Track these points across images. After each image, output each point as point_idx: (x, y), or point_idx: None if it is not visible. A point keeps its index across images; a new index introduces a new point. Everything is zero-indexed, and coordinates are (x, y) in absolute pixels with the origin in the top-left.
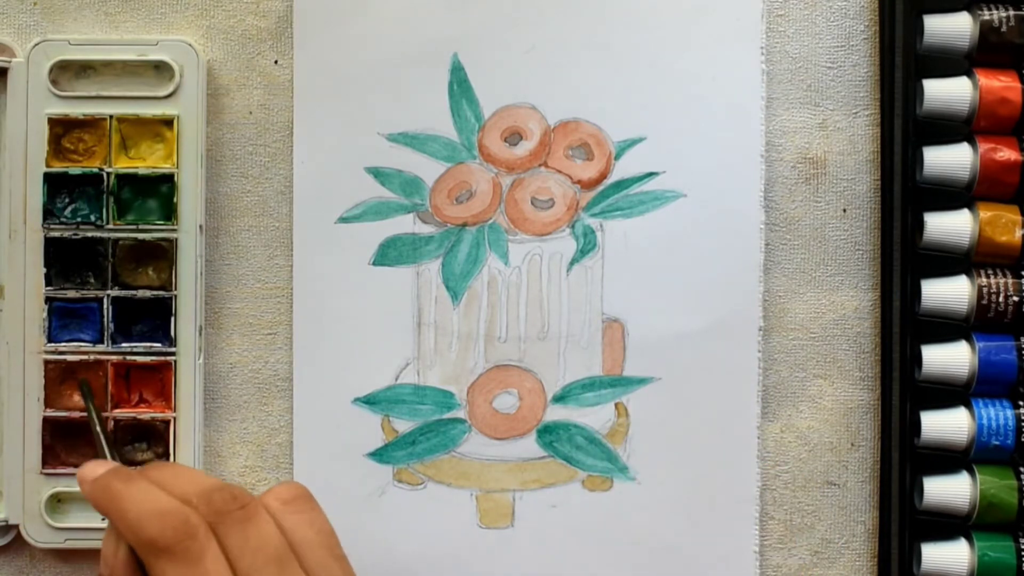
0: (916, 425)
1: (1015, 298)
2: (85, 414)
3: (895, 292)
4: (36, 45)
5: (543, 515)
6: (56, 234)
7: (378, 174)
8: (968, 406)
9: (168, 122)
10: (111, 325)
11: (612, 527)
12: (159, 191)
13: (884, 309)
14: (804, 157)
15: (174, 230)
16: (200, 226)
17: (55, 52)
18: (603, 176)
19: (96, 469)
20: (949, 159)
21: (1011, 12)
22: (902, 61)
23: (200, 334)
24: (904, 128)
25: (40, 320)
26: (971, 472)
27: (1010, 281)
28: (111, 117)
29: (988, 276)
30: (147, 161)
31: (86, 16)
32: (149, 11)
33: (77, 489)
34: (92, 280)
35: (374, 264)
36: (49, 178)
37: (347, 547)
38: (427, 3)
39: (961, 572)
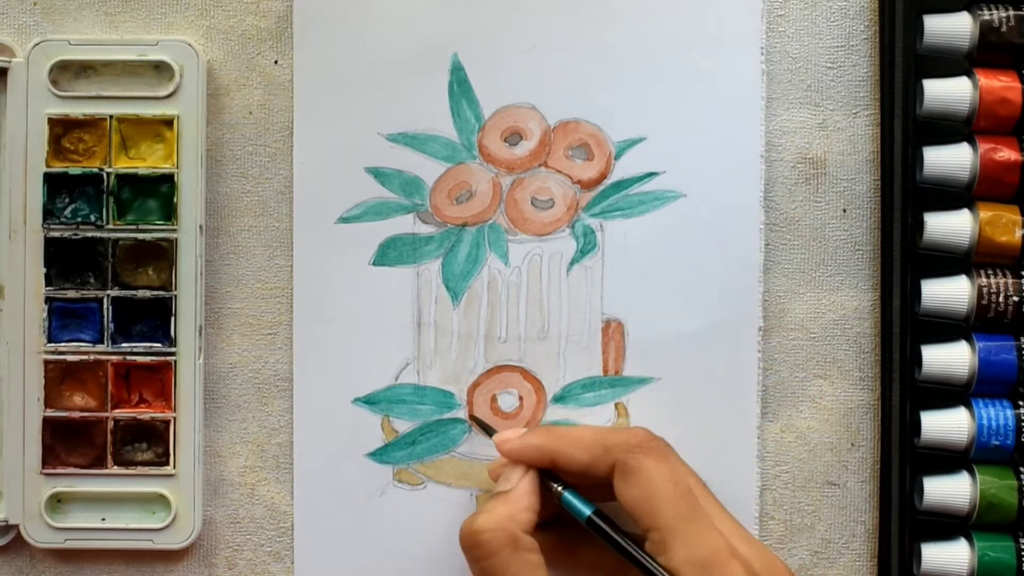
0: (916, 425)
1: (1015, 298)
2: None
3: (895, 292)
4: (36, 45)
5: None
6: (56, 234)
7: (378, 174)
8: (968, 406)
9: (168, 122)
10: (111, 325)
11: None
12: (159, 191)
13: (884, 309)
14: (804, 157)
15: (174, 230)
16: (200, 226)
17: (55, 52)
18: (603, 176)
19: (511, 433)
20: (949, 159)
21: (1011, 12)
22: (902, 61)
23: (200, 334)
24: (904, 128)
25: (40, 320)
26: (971, 472)
27: (1010, 281)
28: (111, 117)
29: (988, 276)
30: (147, 161)
31: (86, 16)
32: (149, 11)
33: (77, 489)
34: (92, 280)
35: (374, 264)
36: (49, 178)
37: (347, 547)
38: (427, 3)
39: (961, 572)
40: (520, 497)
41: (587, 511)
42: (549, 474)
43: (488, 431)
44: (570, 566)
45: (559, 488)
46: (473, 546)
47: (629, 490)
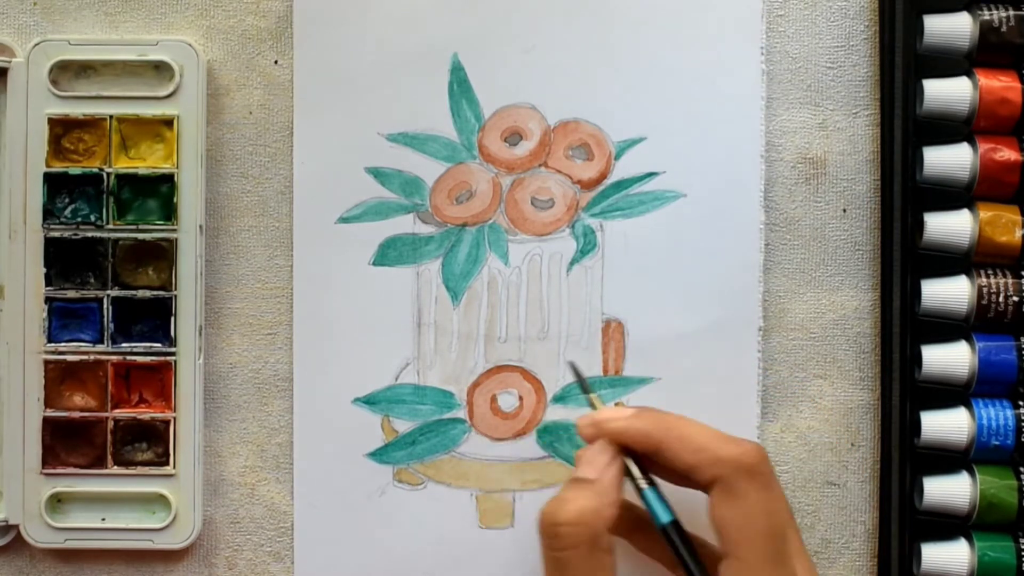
0: (916, 425)
1: (1015, 298)
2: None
3: (895, 292)
4: (36, 45)
5: None
6: (56, 234)
7: (378, 174)
8: (968, 406)
9: (168, 122)
10: (111, 325)
11: None
12: (159, 191)
13: (884, 309)
14: (804, 157)
15: (174, 230)
16: (200, 226)
17: (55, 52)
18: (603, 176)
19: (615, 412)
20: (949, 159)
21: (1011, 12)
22: (902, 61)
23: (200, 334)
24: (904, 128)
25: (40, 320)
26: (971, 472)
27: (1010, 281)
28: (111, 117)
29: (988, 276)
30: (147, 161)
31: (86, 16)
32: (149, 11)
33: (77, 489)
34: (92, 280)
35: (374, 264)
36: (49, 178)
37: (347, 547)
38: (427, 3)
39: (961, 572)
40: (607, 490)
41: (665, 518)
42: (637, 462)
43: (585, 388)
44: (629, 539)
45: (643, 484)
46: (552, 536)
47: (726, 512)
